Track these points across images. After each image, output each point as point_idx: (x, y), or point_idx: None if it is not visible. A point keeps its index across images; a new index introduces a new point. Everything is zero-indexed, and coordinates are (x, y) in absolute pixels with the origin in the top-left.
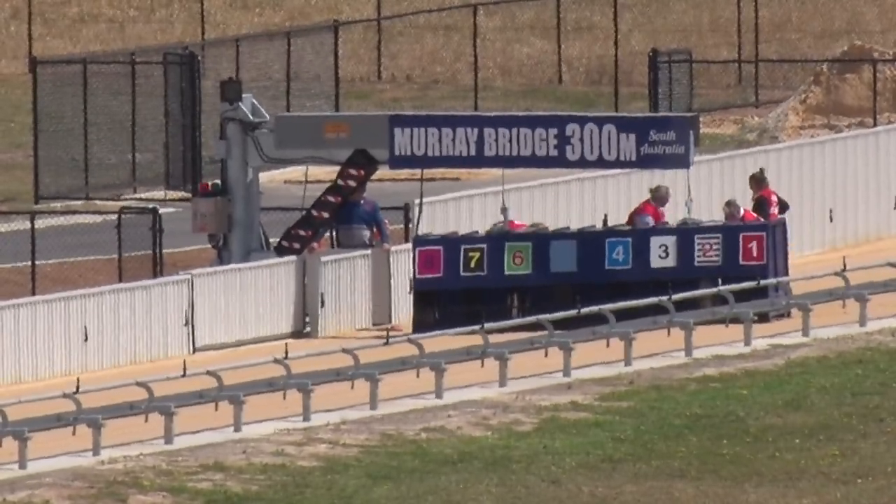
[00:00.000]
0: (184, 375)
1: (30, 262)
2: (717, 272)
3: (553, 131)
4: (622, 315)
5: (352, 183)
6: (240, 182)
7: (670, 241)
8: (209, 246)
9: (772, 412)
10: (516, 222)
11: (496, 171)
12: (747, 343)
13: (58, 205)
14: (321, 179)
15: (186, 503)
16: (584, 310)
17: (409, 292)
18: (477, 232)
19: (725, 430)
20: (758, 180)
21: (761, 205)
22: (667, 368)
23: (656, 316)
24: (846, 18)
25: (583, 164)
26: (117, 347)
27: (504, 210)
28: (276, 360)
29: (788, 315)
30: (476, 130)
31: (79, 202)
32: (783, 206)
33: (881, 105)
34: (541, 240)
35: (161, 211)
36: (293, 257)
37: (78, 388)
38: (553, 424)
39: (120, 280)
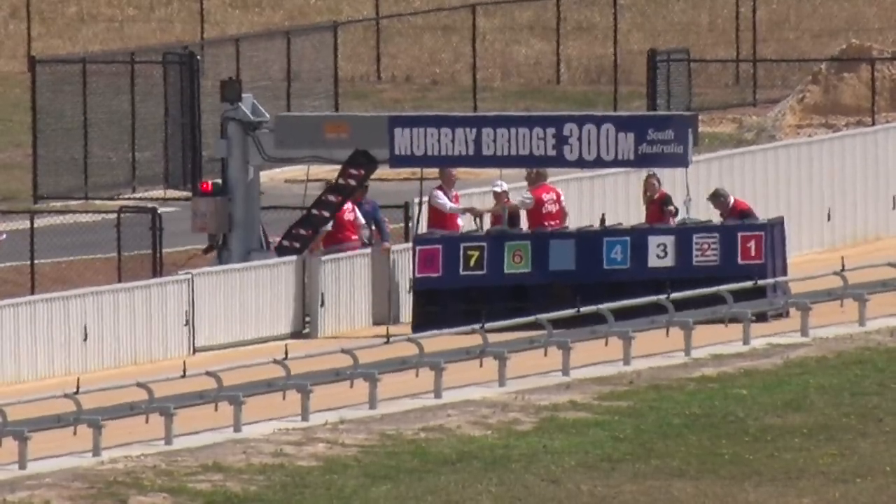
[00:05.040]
0: (184, 376)
1: (29, 262)
2: (715, 272)
3: (551, 131)
4: (621, 314)
5: (352, 182)
6: (240, 182)
7: (668, 240)
8: (207, 245)
9: (771, 412)
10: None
11: (495, 171)
12: (746, 343)
13: (57, 204)
14: (322, 178)
15: None
16: (583, 309)
17: (409, 291)
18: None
19: (724, 430)
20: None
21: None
22: (666, 368)
23: (655, 315)
24: (845, 17)
25: (581, 163)
26: (117, 347)
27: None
28: (275, 361)
29: (787, 315)
30: (474, 130)
31: (78, 202)
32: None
33: (879, 104)
34: (540, 239)
35: (161, 210)
36: (293, 257)
37: (78, 388)
38: (552, 424)
39: (119, 280)
